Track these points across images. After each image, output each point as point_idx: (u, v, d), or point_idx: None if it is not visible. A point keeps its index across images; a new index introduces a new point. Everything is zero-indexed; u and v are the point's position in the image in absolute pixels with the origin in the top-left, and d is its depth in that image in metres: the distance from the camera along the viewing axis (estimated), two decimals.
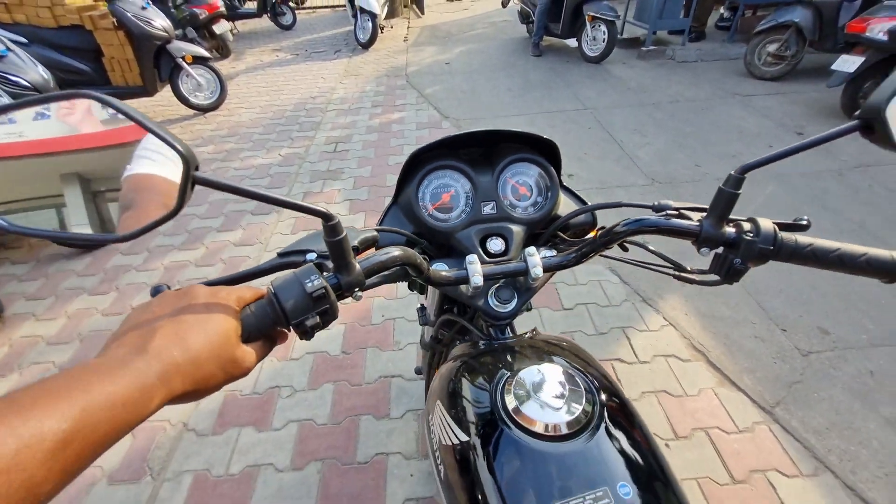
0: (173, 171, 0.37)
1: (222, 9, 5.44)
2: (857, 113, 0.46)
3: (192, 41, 4.95)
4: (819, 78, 3.76)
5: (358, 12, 5.73)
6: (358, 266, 0.46)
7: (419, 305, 0.89)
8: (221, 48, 5.89)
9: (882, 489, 1.29)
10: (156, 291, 0.45)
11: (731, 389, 1.57)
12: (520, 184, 0.69)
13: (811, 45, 3.74)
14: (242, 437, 1.52)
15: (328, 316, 0.44)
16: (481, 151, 0.72)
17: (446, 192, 0.68)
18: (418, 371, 1.29)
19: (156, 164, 0.41)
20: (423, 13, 7.75)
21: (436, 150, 0.68)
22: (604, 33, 4.57)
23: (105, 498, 1.38)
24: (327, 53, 5.86)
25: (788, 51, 3.79)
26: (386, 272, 0.50)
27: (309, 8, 8.72)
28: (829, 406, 1.51)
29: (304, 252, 0.54)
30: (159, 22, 3.73)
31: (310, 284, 0.42)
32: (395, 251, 0.49)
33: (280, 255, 0.55)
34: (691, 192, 2.61)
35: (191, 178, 0.37)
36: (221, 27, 5.59)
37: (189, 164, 0.36)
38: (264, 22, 7.60)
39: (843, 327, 1.76)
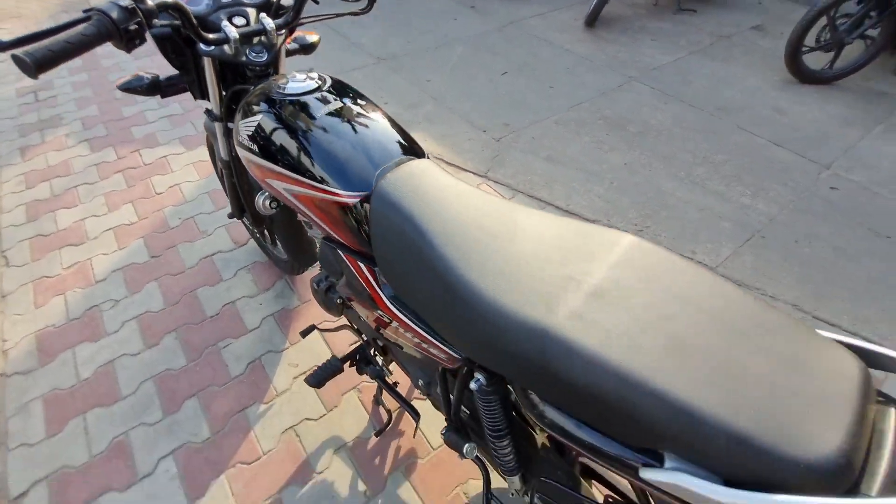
0: None
1: None
2: None
3: None
4: None
5: None
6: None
7: (205, 110, 1.17)
8: None
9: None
10: None
11: (458, 171, 2.30)
12: None
13: None
14: (80, 353, 1.56)
15: (141, 28, 0.72)
16: None
17: None
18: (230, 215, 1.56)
19: None
20: None
21: None
22: None
23: None
24: None
25: None
26: (170, 22, 0.80)
27: None
28: (516, 163, 2.37)
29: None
30: None
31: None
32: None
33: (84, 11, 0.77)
34: (409, 64, 3.23)
35: None
36: None
37: None
38: None
39: (516, 119, 2.68)
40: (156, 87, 1.05)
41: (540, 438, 0.87)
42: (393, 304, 0.81)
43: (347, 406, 1.42)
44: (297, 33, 1.20)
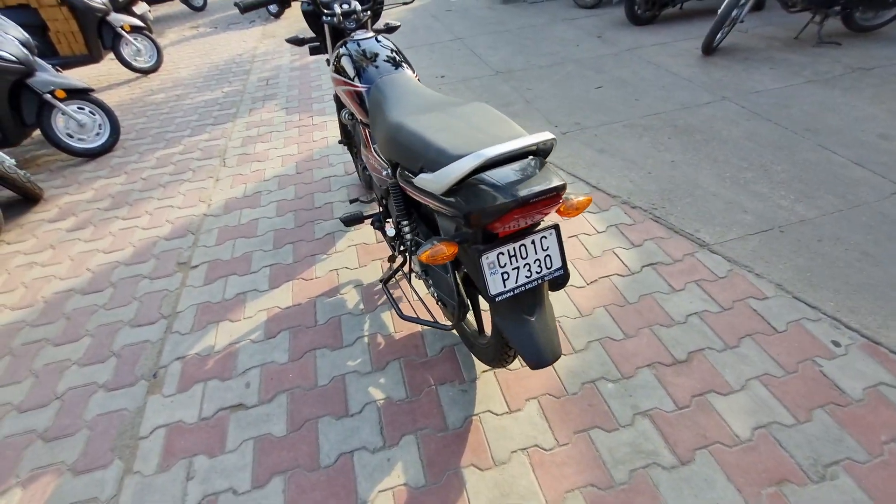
0: None
1: None
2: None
3: None
4: (621, 4, 5.21)
5: None
6: None
7: (325, 60, 2.01)
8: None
9: (593, 170, 2.59)
10: None
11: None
12: None
13: None
14: (244, 214, 2.56)
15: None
16: None
17: None
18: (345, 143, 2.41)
19: None
20: None
21: None
22: None
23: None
24: (243, 24, 6.65)
25: None
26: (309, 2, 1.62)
27: None
28: (568, 149, 2.81)
29: None
30: None
31: None
32: None
33: None
34: (520, 77, 3.87)
35: None
36: (141, 7, 6.19)
37: None
38: (176, 6, 8.13)
39: (587, 120, 3.09)
40: (303, 41, 1.92)
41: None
42: (373, 147, 1.46)
43: (374, 266, 2.09)
44: (387, 20, 1.97)
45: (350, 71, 1.56)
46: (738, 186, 2.37)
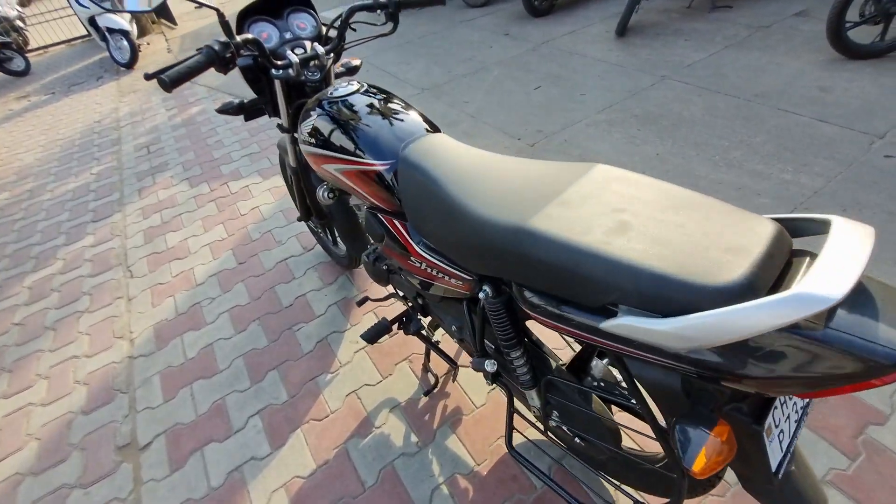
0: None
1: None
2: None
3: None
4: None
5: (107, 34, 5.46)
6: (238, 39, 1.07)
7: (277, 125, 1.48)
8: None
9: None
10: None
11: None
12: (300, 21, 1.34)
13: None
14: (186, 339, 1.91)
15: (234, 56, 1.04)
16: (273, 10, 1.35)
17: (264, 32, 1.29)
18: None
19: None
20: (175, 24, 7.51)
21: (250, 10, 1.30)
22: None
23: None
24: (89, 83, 5.48)
25: None
26: (250, 54, 1.11)
27: (38, 49, 7.62)
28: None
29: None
30: None
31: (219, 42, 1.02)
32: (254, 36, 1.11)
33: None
34: (449, 90, 3.55)
35: None
36: None
37: None
38: None
39: (548, 126, 2.85)
40: (242, 109, 1.38)
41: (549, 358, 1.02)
42: (420, 248, 1.02)
43: (400, 374, 1.62)
44: (344, 59, 1.51)
45: (345, 143, 1.09)
46: (735, 168, 2.27)
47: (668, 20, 4.01)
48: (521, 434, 1.37)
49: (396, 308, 1.83)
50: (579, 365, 1.02)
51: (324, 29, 1.38)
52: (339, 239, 1.81)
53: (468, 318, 1.08)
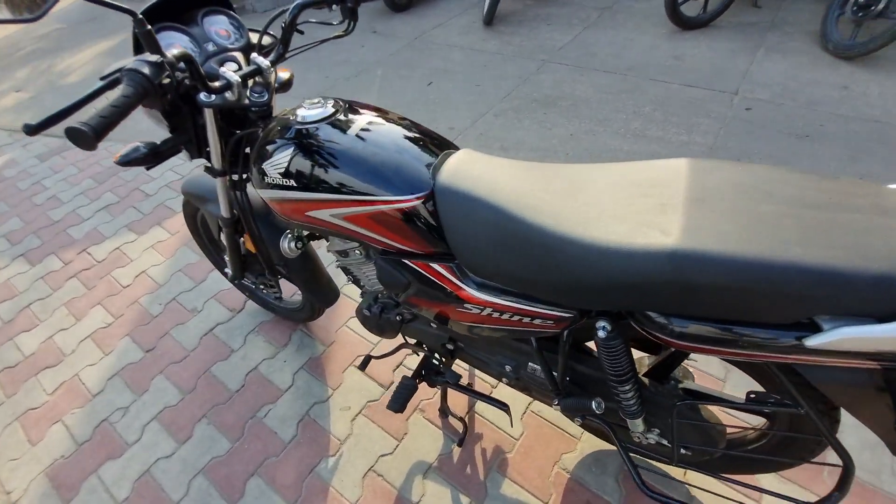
0: None
1: None
2: None
3: None
4: None
5: None
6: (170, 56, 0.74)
7: (204, 168, 1.12)
8: None
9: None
10: None
11: None
12: (218, 27, 1.01)
13: None
14: (105, 475, 1.40)
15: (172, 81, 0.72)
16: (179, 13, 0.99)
17: (176, 44, 0.94)
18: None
19: None
20: None
21: (153, 12, 0.93)
22: None
23: None
24: None
25: None
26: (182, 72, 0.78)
27: None
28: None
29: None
30: None
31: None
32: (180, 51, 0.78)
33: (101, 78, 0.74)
34: (338, 94, 3.23)
35: None
36: None
37: None
38: None
39: (458, 122, 2.78)
40: (157, 155, 0.99)
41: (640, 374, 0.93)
42: (482, 292, 0.83)
43: (416, 429, 1.40)
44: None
45: (348, 181, 0.84)
46: (641, 138, 2.47)
47: (524, 7, 4.21)
48: (600, 460, 1.28)
49: (391, 364, 1.57)
50: (662, 372, 0.96)
51: (253, 35, 1.06)
52: (288, 292, 1.48)
53: (540, 357, 0.93)
